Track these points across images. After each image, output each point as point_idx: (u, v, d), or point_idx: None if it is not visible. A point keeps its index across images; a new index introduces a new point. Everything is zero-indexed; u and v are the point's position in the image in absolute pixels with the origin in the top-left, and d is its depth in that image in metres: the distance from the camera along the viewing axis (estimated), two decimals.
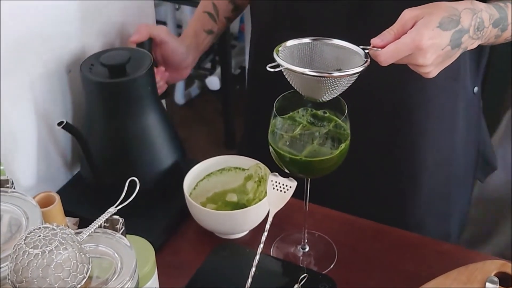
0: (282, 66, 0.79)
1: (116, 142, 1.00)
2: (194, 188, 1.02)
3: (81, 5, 1.02)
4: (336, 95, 0.82)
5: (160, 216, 1.02)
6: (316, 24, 1.00)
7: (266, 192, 0.90)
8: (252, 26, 1.13)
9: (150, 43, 1.06)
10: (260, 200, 0.97)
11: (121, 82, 0.96)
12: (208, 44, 1.14)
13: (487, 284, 0.86)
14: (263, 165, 0.99)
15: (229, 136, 2.61)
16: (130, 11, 1.12)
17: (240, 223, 0.96)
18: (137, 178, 0.76)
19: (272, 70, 0.80)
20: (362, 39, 0.81)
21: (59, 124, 0.93)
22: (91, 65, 0.98)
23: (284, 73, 0.81)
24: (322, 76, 0.78)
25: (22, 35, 0.92)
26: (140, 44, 1.05)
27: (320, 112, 0.89)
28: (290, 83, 0.83)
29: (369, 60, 0.80)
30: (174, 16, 2.67)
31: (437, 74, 0.84)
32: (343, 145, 0.85)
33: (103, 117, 1.00)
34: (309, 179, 0.91)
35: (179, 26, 2.68)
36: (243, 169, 1.03)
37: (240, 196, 1.04)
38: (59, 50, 1.01)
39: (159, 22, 2.64)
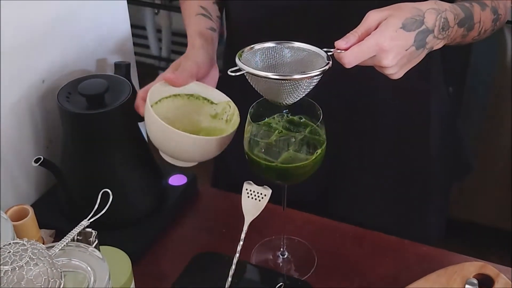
0: (243, 70, 0.79)
1: (94, 173, 0.99)
2: (156, 103, 0.94)
3: (52, 11, 1.00)
4: (299, 97, 0.82)
5: (139, 227, 1.01)
6: (289, 26, 1.00)
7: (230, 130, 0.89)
8: (227, 29, 1.12)
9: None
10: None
11: (99, 113, 0.94)
12: (216, 42, 1.05)
13: (467, 286, 0.86)
14: (234, 104, 0.94)
15: None
16: (104, 16, 1.12)
17: (193, 149, 0.89)
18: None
19: (233, 74, 0.80)
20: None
21: (36, 161, 0.91)
22: (68, 94, 0.97)
23: (247, 77, 0.81)
24: (281, 79, 0.78)
25: None
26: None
27: (296, 118, 0.89)
28: (253, 87, 0.83)
29: (330, 62, 0.80)
30: (154, 20, 2.66)
31: (407, 75, 0.84)
32: (319, 151, 0.85)
33: (81, 148, 0.98)
34: (286, 185, 0.90)
35: (158, 31, 2.67)
36: (212, 103, 0.96)
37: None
38: (32, 60, 0.99)
39: (138, 27, 2.64)
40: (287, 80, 0.78)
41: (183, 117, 0.96)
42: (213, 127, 0.96)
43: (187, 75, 0.92)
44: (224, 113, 0.95)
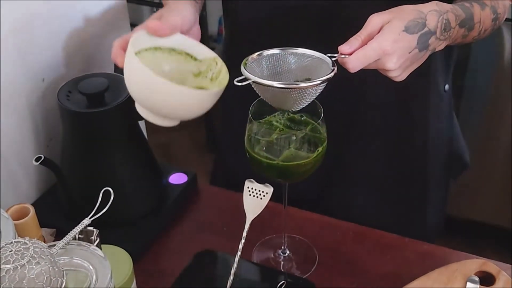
0: (249, 79, 0.79)
1: (95, 172, 0.99)
2: (136, 54, 0.82)
3: (52, 10, 1.00)
4: (305, 104, 0.82)
5: (140, 225, 1.01)
6: (290, 26, 0.99)
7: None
8: (226, 29, 1.12)
9: None
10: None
11: (99, 112, 0.94)
12: (199, 10, 0.98)
13: (468, 284, 0.86)
14: (221, 61, 0.86)
15: (210, 139, 2.61)
16: (103, 14, 1.11)
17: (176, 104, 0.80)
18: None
19: (239, 84, 0.79)
20: (335, 44, 0.81)
21: (37, 160, 0.91)
22: (68, 92, 0.97)
23: (253, 86, 0.81)
24: (288, 88, 0.78)
25: None
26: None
27: (297, 116, 0.89)
28: (260, 95, 0.82)
29: (336, 68, 0.79)
30: None
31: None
32: (320, 149, 0.85)
33: (81, 147, 0.98)
34: (287, 183, 0.90)
35: None
36: (195, 59, 0.88)
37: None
38: (32, 58, 0.99)
39: (137, 25, 2.64)
40: (294, 88, 0.78)
41: (163, 74, 0.86)
42: (196, 86, 0.88)
43: (170, 26, 0.85)
44: (209, 71, 0.87)
